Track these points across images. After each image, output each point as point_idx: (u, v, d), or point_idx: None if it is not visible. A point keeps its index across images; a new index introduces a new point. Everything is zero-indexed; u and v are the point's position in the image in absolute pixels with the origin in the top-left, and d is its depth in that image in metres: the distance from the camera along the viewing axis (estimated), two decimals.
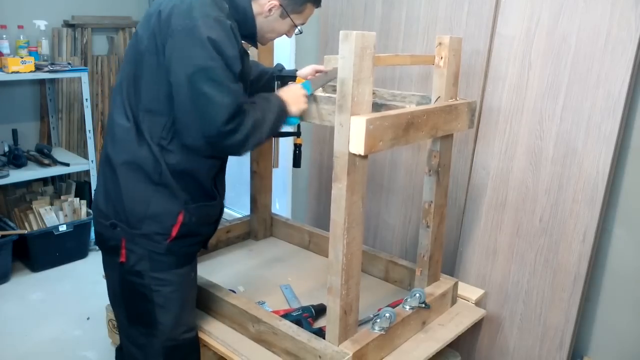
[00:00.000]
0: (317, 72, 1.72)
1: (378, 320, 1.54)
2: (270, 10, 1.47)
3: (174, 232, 1.45)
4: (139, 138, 1.41)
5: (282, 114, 1.48)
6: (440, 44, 1.56)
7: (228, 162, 1.66)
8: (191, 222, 1.47)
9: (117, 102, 1.47)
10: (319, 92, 1.60)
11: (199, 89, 1.29)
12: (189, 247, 1.52)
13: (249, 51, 1.63)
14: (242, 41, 1.50)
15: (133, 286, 1.48)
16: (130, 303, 1.52)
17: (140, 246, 1.45)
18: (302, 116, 1.55)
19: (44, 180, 3.45)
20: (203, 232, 1.56)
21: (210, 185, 1.51)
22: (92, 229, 3.35)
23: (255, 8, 1.47)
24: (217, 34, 1.30)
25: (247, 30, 1.50)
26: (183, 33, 1.30)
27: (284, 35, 1.59)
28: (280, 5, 1.47)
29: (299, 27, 1.56)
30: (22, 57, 3.06)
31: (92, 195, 3.34)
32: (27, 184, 3.38)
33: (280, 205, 3.12)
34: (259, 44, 1.60)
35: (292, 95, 1.51)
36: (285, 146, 2.77)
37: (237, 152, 1.40)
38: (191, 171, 1.45)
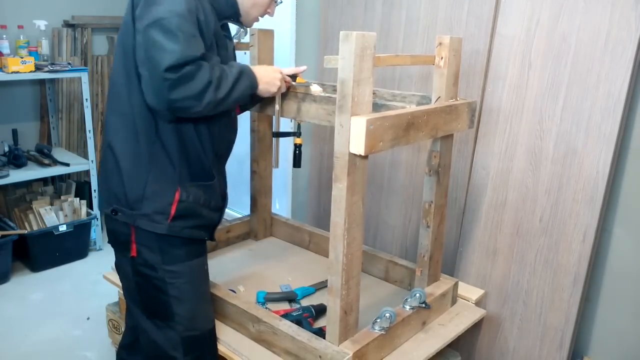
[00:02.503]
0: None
1: (378, 320, 1.54)
2: None
3: (173, 211, 1.46)
4: (128, 119, 1.43)
5: (249, 83, 1.45)
6: (440, 44, 1.56)
7: (228, 162, 1.66)
8: (189, 201, 1.48)
9: (110, 87, 1.50)
10: (319, 92, 1.60)
11: (150, 37, 1.28)
12: (192, 229, 1.52)
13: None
14: (228, 22, 1.54)
15: (147, 279, 1.50)
16: (146, 296, 1.53)
17: (145, 234, 1.46)
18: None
19: (44, 180, 3.45)
20: (205, 216, 1.55)
21: (209, 165, 1.52)
22: (93, 229, 3.36)
23: None
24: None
25: (228, 8, 1.50)
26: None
27: (267, 15, 1.59)
28: None
29: None
30: (22, 57, 3.06)
31: (95, 196, 3.36)
32: (27, 184, 3.38)
33: (280, 205, 3.12)
34: (247, 27, 1.61)
35: (265, 74, 1.51)
36: (285, 146, 2.77)
37: (187, 107, 1.33)
38: (187, 149, 1.46)
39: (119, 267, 1.60)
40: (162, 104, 1.32)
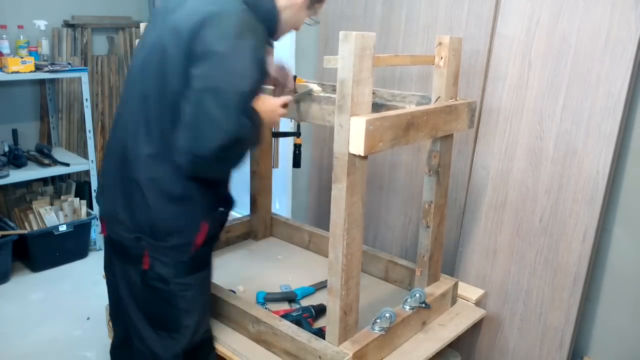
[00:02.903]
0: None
1: (378, 321, 1.54)
2: None
3: (199, 241, 1.45)
4: (163, 157, 1.37)
5: (260, 131, 1.42)
6: (440, 44, 1.56)
7: None
8: (213, 229, 1.49)
9: (136, 118, 1.40)
10: (319, 92, 1.60)
11: (206, 106, 1.23)
12: (209, 250, 1.54)
13: None
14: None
15: (157, 291, 1.47)
16: (153, 308, 1.50)
17: (165, 255, 1.44)
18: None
19: (44, 180, 3.45)
20: (220, 234, 1.60)
21: (227, 192, 1.54)
22: (93, 229, 3.36)
23: (282, 2, 1.44)
24: (253, 52, 1.28)
25: (269, 30, 1.46)
26: (221, 50, 1.26)
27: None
28: None
29: (313, 17, 1.54)
30: (22, 57, 3.06)
31: (94, 196, 3.35)
32: (27, 184, 3.38)
33: (280, 205, 3.12)
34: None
35: (265, 108, 1.44)
36: (285, 146, 2.77)
37: (220, 177, 1.44)
38: (213, 183, 1.45)
39: (123, 275, 1.54)
40: (193, 171, 1.34)
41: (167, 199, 1.40)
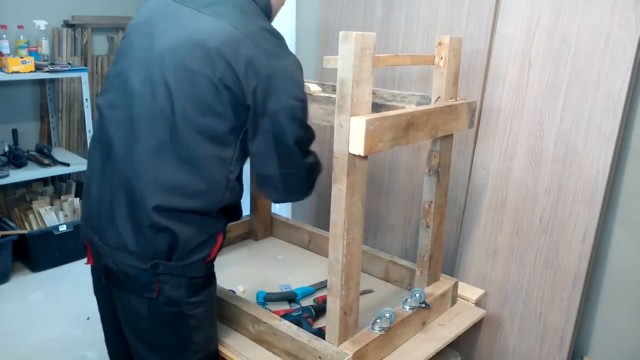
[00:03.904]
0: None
1: (378, 321, 1.54)
2: None
3: (213, 255, 1.42)
4: (194, 172, 1.31)
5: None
6: (440, 44, 1.56)
7: None
8: (224, 239, 1.47)
9: (158, 133, 1.29)
10: (319, 92, 1.60)
11: (302, 160, 1.40)
12: (213, 261, 1.50)
13: None
14: None
15: (168, 316, 1.37)
16: (161, 333, 1.40)
17: (179, 276, 1.35)
18: None
19: (44, 180, 3.46)
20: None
21: (240, 202, 1.53)
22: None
23: None
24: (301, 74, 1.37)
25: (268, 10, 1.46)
26: (280, 75, 1.30)
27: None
28: None
29: None
30: (22, 57, 3.06)
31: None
32: (27, 184, 3.38)
33: (280, 205, 3.12)
34: None
35: None
36: None
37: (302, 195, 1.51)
38: (232, 199, 1.45)
39: (125, 308, 1.41)
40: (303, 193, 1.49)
41: (194, 222, 1.35)
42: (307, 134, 1.40)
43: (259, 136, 1.33)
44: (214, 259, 1.46)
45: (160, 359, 1.45)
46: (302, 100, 1.36)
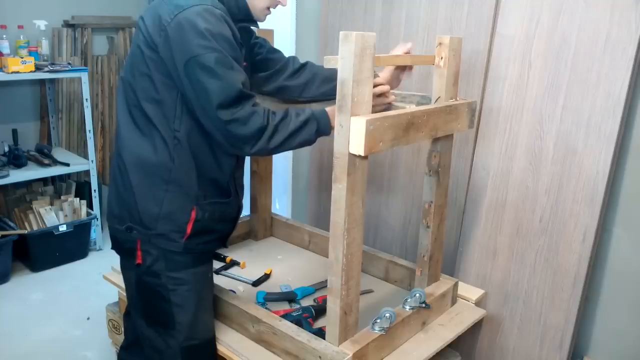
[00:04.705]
0: (405, 52, 1.61)
1: (378, 321, 1.54)
2: None
3: (189, 230, 1.45)
4: (145, 134, 1.41)
5: (315, 129, 1.42)
6: (440, 44, 1.56)
7: None
8: (204, 219, 1.47)
9: (120, 99, 1.47)
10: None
11: (193, 78, 1.29)
12: (205, 244, 1.52)
13: None
14: (243, 24, 1.50)
15: (150, 287, 1.49)
16: (147, 304, 1.52)
17: (156, 246, 1.45)
18: None
19: (44, 180, 3.45)
20: (219, 229, 1.56)
21: (227, 182, 1.51)
22: (93, 229, 3.36)
23: None
24: (207, 22, 1.29)
25: (240, 12, 1.46)
26: (174, 26, 1.30)
27: (279, 5, 1.53)
28: None
29: None
30: (22, 57, 3.06)
31: (94, 196, 3.35)
32: (27, 184, 3.38)
33: (280, 205, 3.12)
34: (259, 23, 1.56)
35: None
36: None
37: (239, 149, 1.36)
38: (203, 167, 1.44)
39: (123, 273, 1.58)
40: (226, 144, 1.36)
41: (155, 182, 1.42)
42: (224, 84, 1.29)
43: (185, 90, 1.34)
44: (194, 240, 1.47)
45: (151, 332, 1.53)
46: (210, 47, 1.28)
